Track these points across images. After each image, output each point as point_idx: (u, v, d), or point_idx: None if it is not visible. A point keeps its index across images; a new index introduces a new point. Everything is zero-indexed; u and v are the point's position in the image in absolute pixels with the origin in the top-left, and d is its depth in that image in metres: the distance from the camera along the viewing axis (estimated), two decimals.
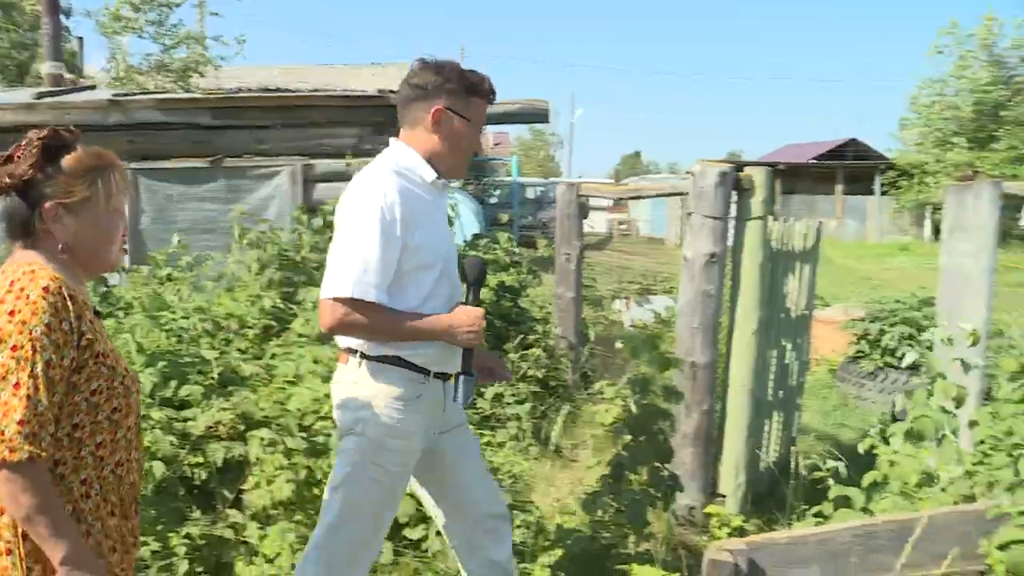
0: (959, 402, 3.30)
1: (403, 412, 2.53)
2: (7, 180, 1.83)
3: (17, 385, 1.71)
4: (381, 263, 2.42)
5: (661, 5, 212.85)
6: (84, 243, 1.90)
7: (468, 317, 2.54)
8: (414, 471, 2.71)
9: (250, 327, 4.86)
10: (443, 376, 2.63)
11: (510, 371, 3.98)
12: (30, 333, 1.73)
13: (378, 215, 2.42)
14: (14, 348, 1.72)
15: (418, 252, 2.51)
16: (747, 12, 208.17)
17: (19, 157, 1.85)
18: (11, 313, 1.74)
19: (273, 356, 4.48)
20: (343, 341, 2.61)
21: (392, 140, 2.67)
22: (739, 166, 4.36)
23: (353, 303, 2.40)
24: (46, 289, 1.76)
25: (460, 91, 2.57)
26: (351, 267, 2.41)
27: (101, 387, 1.87)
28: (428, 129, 2.58)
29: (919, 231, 28.59)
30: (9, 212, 1.87)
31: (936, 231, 26.50)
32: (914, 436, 3.21)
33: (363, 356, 2.54)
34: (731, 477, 4.26)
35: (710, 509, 4.00)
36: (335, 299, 2.41)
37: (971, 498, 3.04)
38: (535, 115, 7.25)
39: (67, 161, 1.87)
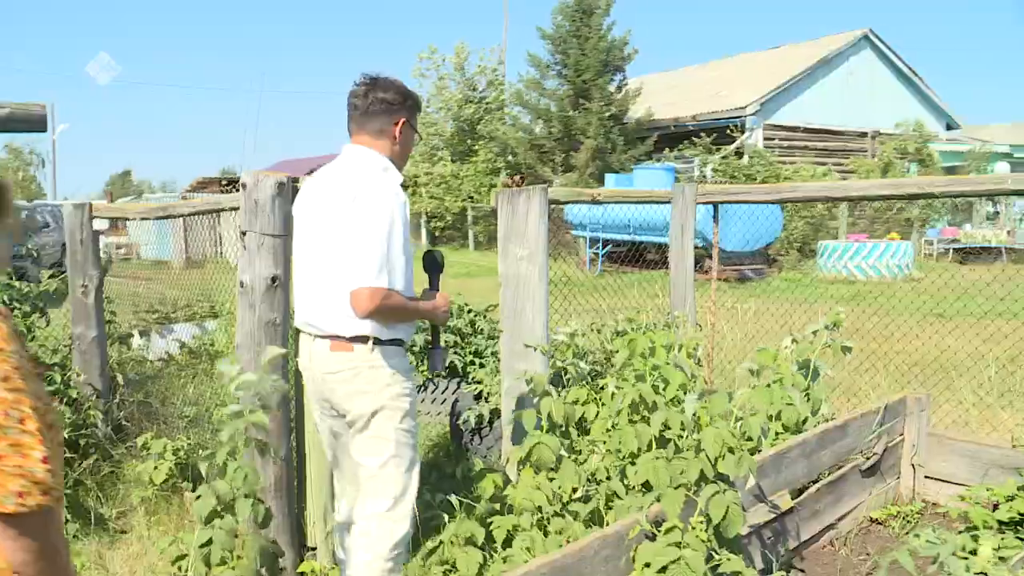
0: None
1: (409, 383, 3.04)
2: None
3: (23, 420, 1.48)
4: (401, 255, 2.88)
5: (138, 5, 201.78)
6: None
7: (444, 300, 3.17)
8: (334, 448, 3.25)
9: None
10: None
11: None
12: (9, 360, 1.49)
13: (396, 212, 2.87)
14: (5, 379, 1.47)
15: (407, 245, 2.93)
16: (209, 20, 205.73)
17: None
18: None
19: None
20: (350, 330, 2.92)
21: (356, 145, 3.11)
22: (295, 178, 3.95)
23: (386, 292, 2.83)
24: (1, 313, 1.54)
25: (415, 108, 3.18)
26: (380, 259, 2.81)
27: None
28: (392, 138, 3.10)
29: (416, 241, 30.29)
30: None
31: (432, 238, 28.34)
32: (535, 464, 3.07)
33: (376, 341, 2.93)
34: (319, 526, 3.83)
35: (303, 567, 3.57)
36: (373, 288, 2.81)
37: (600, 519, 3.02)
38: (29, 121, 6.11)
39: None
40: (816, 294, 11.98)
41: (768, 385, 3.93)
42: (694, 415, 2.78)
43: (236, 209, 3.89)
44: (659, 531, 2.65)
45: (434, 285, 3.26)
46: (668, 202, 5.54)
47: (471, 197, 28.28)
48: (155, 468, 4.40)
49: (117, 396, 5.40)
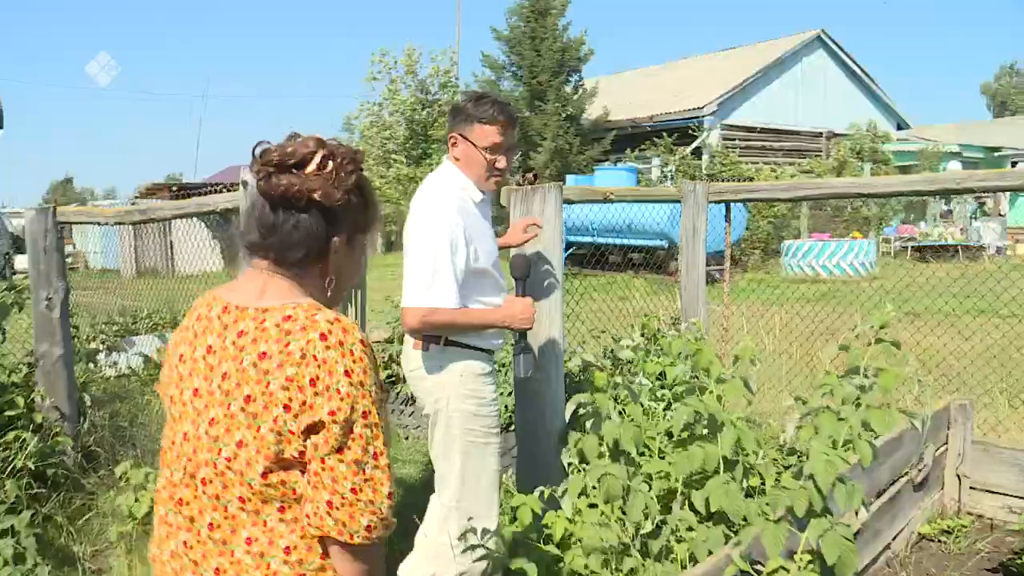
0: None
1: (479, 386, 3.08)
2: (319, 196, 1.59)
3: (376, 455, 1.54)
4: (449, 272, 2.92)
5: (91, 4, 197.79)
6: (343, 278, 1.73)
7: (521, 306, 3.19)
8: None
9: None
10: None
11: None
12: (369, 395, 1.54)
13: (445, 227, 2.92)
14: (364, 415, 1.52)
15: (476, 259, 3.02)
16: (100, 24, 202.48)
17: (335, 170, 1.61)
18: (347, 374, 1.51)
19: None
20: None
21: (444, 160, 3.24)
22: None
23: (427, 311, 2.91)
24: (363, 341, 1.57)
25: (463, 119, 3.15)
26: (425, 277, 2.90)
27: None
28: (452, 153, 3.19)
29: (372, 248, 29.74)
30: (304, 232, 1.61)
31: (388, 245, 27.83)
32: (605, 496, 2.70)
33: (447, 342, 3.03)
34: None
35: None
36: (414, 307, 2.92)
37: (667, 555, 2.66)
38: None
39: (367, 189, 1.73)
40: (788, 294, 11.81)
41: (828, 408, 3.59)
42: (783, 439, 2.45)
43: (230, 211, 3.49)
44: (755, 570, 2.31)
45: (520, 290, 3.37)
46: (678, 201, 5.22)
47: None
48: (135, 500, 3.97)
49: (86, 420, 4.92)
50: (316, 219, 1.62)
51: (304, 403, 1.49)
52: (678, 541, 2.70)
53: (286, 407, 1.49)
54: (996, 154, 32.91)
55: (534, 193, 4.11)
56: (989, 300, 12.01)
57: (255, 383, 1.51)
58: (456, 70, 32.05)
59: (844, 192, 4.70)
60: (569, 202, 4.38)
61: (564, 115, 25.23)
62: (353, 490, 1.51)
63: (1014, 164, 30.44)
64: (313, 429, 1.50)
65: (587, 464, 2.83)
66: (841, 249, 19.13)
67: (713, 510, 2.60)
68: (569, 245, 21.10)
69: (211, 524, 1.57)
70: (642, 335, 4.89)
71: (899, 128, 32.29)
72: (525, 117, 25.51)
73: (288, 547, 1.56)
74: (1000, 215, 28.86)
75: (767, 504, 2.38)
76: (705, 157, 25.15)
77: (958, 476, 4.18)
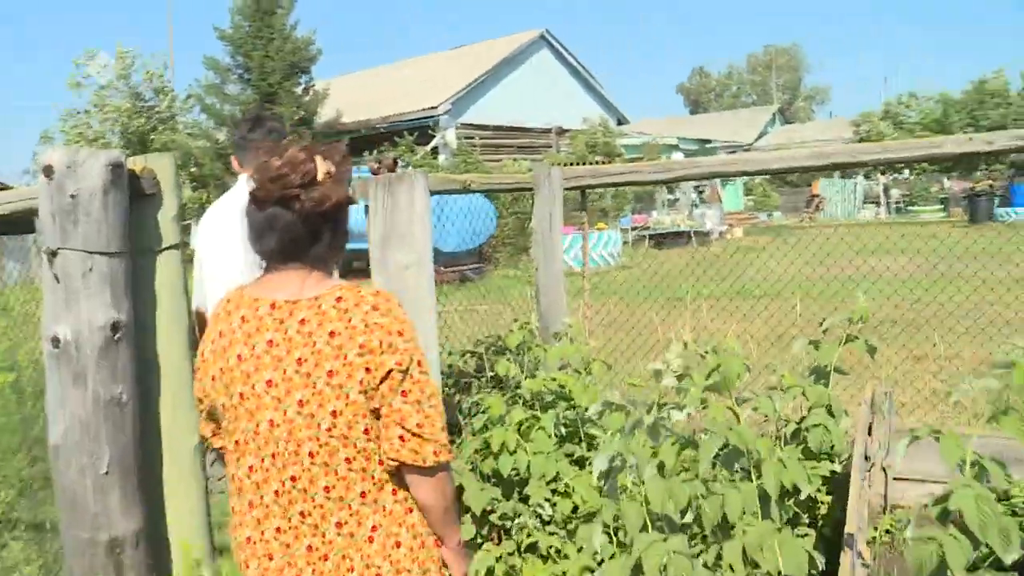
0: None
1: None
2: (341, 199, 1.86)
3: (430, 396, 1.85)
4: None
5: None
6: (344, 247, 1.97)
7: None
8: None
9: None
10: None
11: None
12: (418, 348, 1.86)
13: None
14: (419, 364, 1.84)
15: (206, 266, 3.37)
16: None
17: (338, 171, 1.86)
18: (400, 333, 1.82)
19: None
20: None
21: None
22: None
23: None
24: (400, 305, 1.89)
25: (239, 146, 3.48)
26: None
27: None
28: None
29: None
30: (332, 237, 1.89)
31: None
32: None
33: None
34: None
35: None
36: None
37: None
38: None
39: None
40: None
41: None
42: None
43: (26, 216, 2.46)
44: None
45: None
46: (529, 189, 4.61)
47: None
48: None
49: None
50: (342, 218, 1.89)
51: (377, 362, 1.78)
52: None
53: (367, 370, 1.78)
54: (708, 145, 35.26)
55: (400, 183, 3.36)
56: (743, 281, 12.50)
57: (333, 359, 1.78)
58: (171, 73, 29.74)
59: (722, 171, 4.30)
60: (435, 192, 3.64)
61: (297, 118, 23.99)
62: (419, 424, 1.81)
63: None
64: (383, 381, 1.79)
65: None
66: (591, 241, 19.44)
67: (775, 570, 2.00)
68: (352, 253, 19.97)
69: (326, 487, 1.83)
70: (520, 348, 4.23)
71: (619, 123, 33.71)
72: None
73: (395, 489, 1.89)
74: (719, 201, 30.85)
75: None
76: (443, 156, 24.88)
77: (883, 469, 3.87)
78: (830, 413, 3.11)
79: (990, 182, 29.56)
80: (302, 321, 1.80)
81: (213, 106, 25.05)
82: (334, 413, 1.78)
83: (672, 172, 4.38)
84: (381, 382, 1.78)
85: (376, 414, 1.81)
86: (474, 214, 17.11)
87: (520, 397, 4.09)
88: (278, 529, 1.85)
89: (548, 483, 3.40)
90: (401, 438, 1.81)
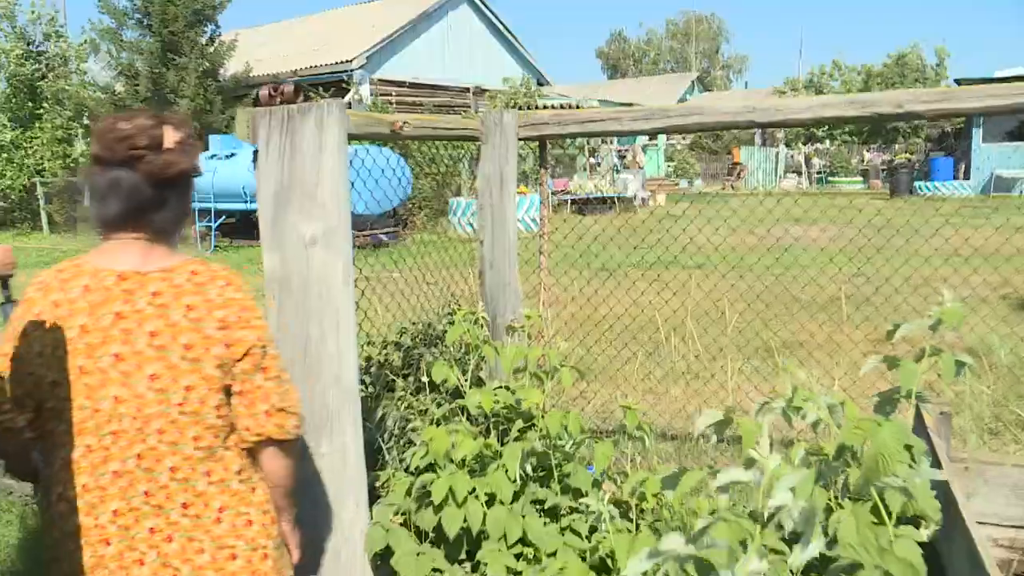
0: None
1: None
2: (188, 169, 1.85)
3: (283, 370, 1.91)
4: None
5: None
6: (186, 225, 1.96)
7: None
8: None
9: None
10: None
11: None
12: (266, 325, 1.91)
13: None
14: (271, 340, 1.90)
15: None
16: None
17: (188, 141, 1.85)
18: (252, 309, 1.86)
19: None
20: None
21: None
22: None
23: None
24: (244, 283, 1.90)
25: None
26: None
27: None
28: None
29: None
30: (178, 205, 1.87)
31: (52, 223, 23.23)
32: None
33: None
34: None
35: None
36: None
37: None
38: None
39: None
40: (465, 256, 10.68)
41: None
42: None
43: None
44: None
45: None
46: (475, 138, 3.57)
47: (39, 171, 23.60)
48: None
49: None
50: (185, 190, 1.89)
51: (235, 337, 1.81)
52: None
53: (226, 345, 1.81)
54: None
55: (305, 118, 2.32)
56: (673, 251, 11.78)
57: (191, 331, 1.78)
58: (64, 17, 27.50)
59: (731, 121, 3.31)
60: (352, 138, 2.57)
61: (201, 70, 22.33)
62: (281, 398, 1.87)
63: None
64: (243, 357, 1.83)
65: None
66: None
67: None
68: (219, 213, 18.59)
69: (172, 468, 1.79)
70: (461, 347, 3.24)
71: (539, 84, 32.67)
72: (158, 72, 22.27)
73: (239, 469, 1.88)
74: (640, 167, 30.14)
75: None
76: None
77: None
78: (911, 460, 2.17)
79: (908, 155, 29.56)
80: (155, 293, 1.78)
81: (109, 52, 23.13)
82: (188, 388, 1.77)
83: (658, 120, 3.37)
84: (241, 358, 1.82)
85: (227, 391, 1.83)
86: (387, 176, 15.98)
87: (462, 412, 3.12)
88: (115, 512, 1.77)
89: (511, 545, 2.43)
90: (267, 413, 1.85)
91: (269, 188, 2.36)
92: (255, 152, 2.35)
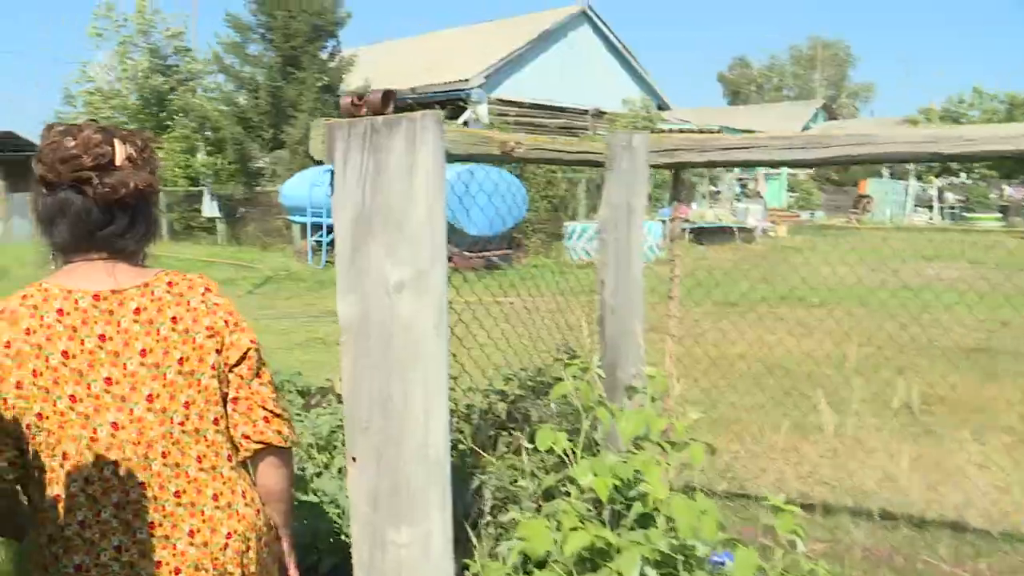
0: None
1: None
2: (144, 187, 1.70)
3: (271, 375, 1.86)
4: None
5: None
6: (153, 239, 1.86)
7: None
8: None
9: None
10: None
11: None
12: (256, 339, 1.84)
13: None
14: (260, 350, 1.83)
15: None
16: None
17: (143, 155, 1.72)
18: (236, 312, 1.79)
19: None
20: None
21: None
22: None
23: None
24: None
25: None
26: None
27: None
28: None
29: None
30: (143, 226, 1.75)
31: (172, 231, 23.94)
32: None
33: None
34: None
35: None
36: None
37: None
38: None
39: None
40: (583, 282, 10.19)
41: None
42: None
43: None
44: None
45: None
46: (600, 164, 3.08)
47: (163, 180, 24.25)
48: None
49: None
50: (144, 207, 1.73)
51: (228, 342, 1.75)
52: None
53: (218, 351, 1.74)
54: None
55: (393, 131, 1.86)
56: (796, 286, 11.04)
57: (182, 344, 1.69)
58: (193, 30, 28.35)
59: (912, 152, 2.72)
60: (449, 156, 2.09)
61: (320, 84, 22.53)
62: (276, 404, 1.81)
63: None
64: (239, 362, 1.76)
65: None
66: None
67: None
68: (332, 229, 18.57)
69: (177, 492, 1.68)
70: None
71: (660, 109, 31.97)
72: (277, 86, 22.57)
73: (243, 491, 1.77)
74: (760, 196, 29.15)
75: None
76: None
77: None
78: None
79: None
80: (137, 310, 1.69)
81: (232, 67, 23.59)
82: (187, 404, 1.70)
83: (817, 150, 2.80)
84: (237, 364, 1.76)
85: (223, 401, 1.76)
86: (502, 196, 15.60)
87: (570, 485, 2.61)
88: (119, 548, 1.62)
89: None
90: (266, 419, 1.79)
91: (346, 217, 1.92)
92: (331, 173, 1.91)
